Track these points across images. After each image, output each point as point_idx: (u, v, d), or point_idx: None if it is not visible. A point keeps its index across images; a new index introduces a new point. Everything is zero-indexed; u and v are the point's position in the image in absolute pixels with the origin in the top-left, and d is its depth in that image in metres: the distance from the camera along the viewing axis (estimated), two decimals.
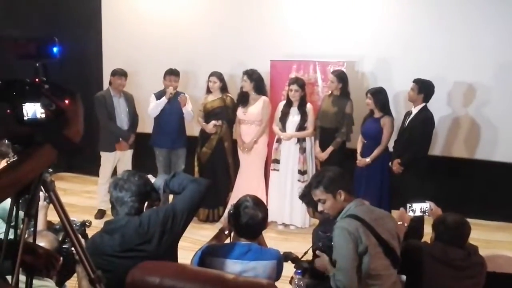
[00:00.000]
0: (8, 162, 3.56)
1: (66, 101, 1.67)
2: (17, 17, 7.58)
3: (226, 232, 3.25)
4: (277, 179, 6.26)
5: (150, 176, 3.04)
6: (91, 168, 7.37)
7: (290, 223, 6.25)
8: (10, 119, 1.67)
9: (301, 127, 6.09)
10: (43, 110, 1.67)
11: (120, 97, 6.51)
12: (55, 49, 1.79)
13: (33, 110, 1.67)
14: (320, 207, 3.28)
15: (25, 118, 1.66)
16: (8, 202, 1.78)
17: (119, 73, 6.43)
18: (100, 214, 6.48)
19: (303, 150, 6.12)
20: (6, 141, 3.04)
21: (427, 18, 6.53)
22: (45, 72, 1.75)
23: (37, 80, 1.73)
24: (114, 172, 6.58)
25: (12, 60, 1.83)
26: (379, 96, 5.74)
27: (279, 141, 6.24)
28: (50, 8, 7.77)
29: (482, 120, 6.52)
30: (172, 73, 6.40)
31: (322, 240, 3.32)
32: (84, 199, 7.19)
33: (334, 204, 3.20)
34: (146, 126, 6.91)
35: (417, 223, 4.41)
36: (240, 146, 6.36)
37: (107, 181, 6.40)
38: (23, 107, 1.67)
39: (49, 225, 3.30)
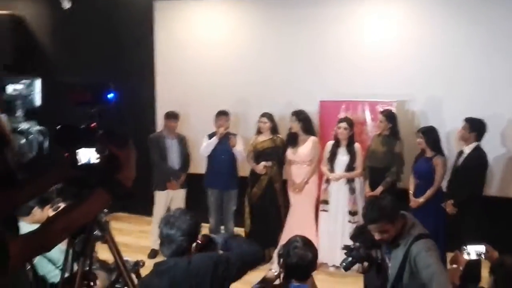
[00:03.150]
0: (53, 207, 3.70)
1: (119, 147, 1.73)
2: (76, 64, 7.94)
3: (276, 273, 3.24)
4: (327, 220, 6.20)
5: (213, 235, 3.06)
6: (146, 208, 7.50)
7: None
8: (67, 162, 1.75)
9: (349, 167, 6.07)
10: (97, 155, 1.74)
11: (173, 138, 6.73)
12: (110, 96, 1.87)
13: (87, 155, 1.74)
14: (379, 236, 3.33)
15: (79, 162, 1.73)
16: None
17: (169, 116, 6.70)
18: (154, 253, 6.57)
19: (352, 191, 6.08)
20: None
21: (477, 55, 6.44)
22: (100, 118, 1.83)
23: (92, 125, 1.81)
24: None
25: (70, 106, 1.93)
26: (431, 135, 5.67)
27: (328, 181, 6.22)
28: (107, 56, 8.09)
29: None
30: (222, 114, 6.54)
31: (354, 251, 3.47)
32: (138, 238, 7.31)
33: (394, 231, 3.31)
34: (199, 167, 7.00)
35: (473, 266, 4.27)
36: (290, 186, 6.37)
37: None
38: (78, 152, 1.74)
39: (104, 264, 3.37)
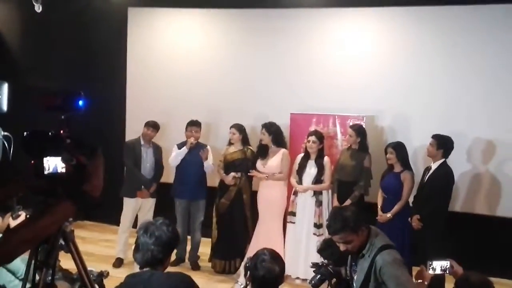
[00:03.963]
0: (13, 215, 3.61)
1: (87, 156, 1.69)
2: (46, 69, 7.81)
3: (242, 286, 3.21)
4: (293, 232, 6.21)
5: None
6: (111, 216, 7.41)
7: (305, 277, 6.12)
8: (32, 170, 1.70)
9: (317, 180, 6.10)
10: (63, 165, 1.70)
11: (149, 147, 6.67)
12: (80, 102, 1.84)
13: (54, 164, 1.70)
14: (343, 247, 3.38)
15: (45, 172, 1.69)
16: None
17: (147, 124, 6.62)
18: (119, 262, 6.48)
19: (319, 203, 6.10)
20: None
21: (446, 73, 6.59)
22: (68, 126, 1.79)
23: (61, 132, 1.77)
24: (135, 221, 6.60)
25: (38, 111, 1.88)
26: (400, 150, 5.74)
27: (295, 193, 6.23)
28: (78, 62, 7.98)
29: (503, 176, 6.44)
30: (194, 124, 6.50)
31: (323, 268, 3.49)
32: (103, 247, 7.19)
33: (358, 241, 3.36)
34: (170, 176, 6.94)
35: (438, 281, 4.32)
36: (260, 198, 6.34)
37: (127, 229, 6.49)
38: (45, 161, 1.70)
39: (67, 274, 3.29)
